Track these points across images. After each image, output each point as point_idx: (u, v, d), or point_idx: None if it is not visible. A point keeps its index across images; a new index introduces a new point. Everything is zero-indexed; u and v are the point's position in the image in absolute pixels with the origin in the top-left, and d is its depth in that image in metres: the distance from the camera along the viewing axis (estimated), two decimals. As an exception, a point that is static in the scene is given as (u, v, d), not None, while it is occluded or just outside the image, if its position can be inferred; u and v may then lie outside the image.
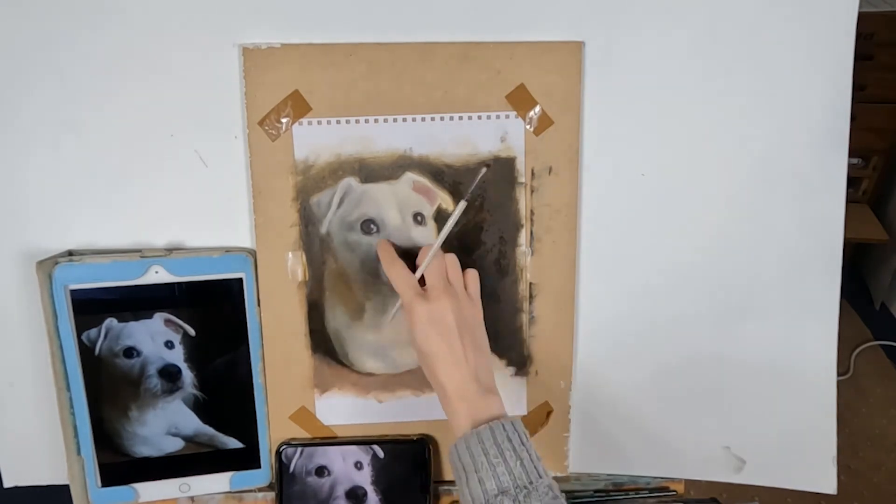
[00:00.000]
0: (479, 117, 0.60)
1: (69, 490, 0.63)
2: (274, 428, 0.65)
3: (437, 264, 0.57)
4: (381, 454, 0.65)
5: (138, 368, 0.62)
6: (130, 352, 0.61)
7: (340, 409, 0.65)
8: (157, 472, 0.64)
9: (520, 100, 0.59)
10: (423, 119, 0.59)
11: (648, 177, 0.61)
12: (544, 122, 0.60)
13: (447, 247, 0.60)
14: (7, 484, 0.66)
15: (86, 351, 0.61)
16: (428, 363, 0.54)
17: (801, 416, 0.66)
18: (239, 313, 0.62)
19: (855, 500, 1.55)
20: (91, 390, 0.62)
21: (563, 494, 0.49)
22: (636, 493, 0.69)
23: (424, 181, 0.61)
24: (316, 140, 0.59)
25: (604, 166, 0.61)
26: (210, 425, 0.64)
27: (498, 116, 0.60)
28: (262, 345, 0.63)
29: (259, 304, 0.62)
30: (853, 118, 0.59)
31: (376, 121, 0.59)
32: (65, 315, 0.59)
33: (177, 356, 0.62)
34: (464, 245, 0.62)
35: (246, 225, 0.61)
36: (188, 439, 0.64)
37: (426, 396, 0.65)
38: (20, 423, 0.65)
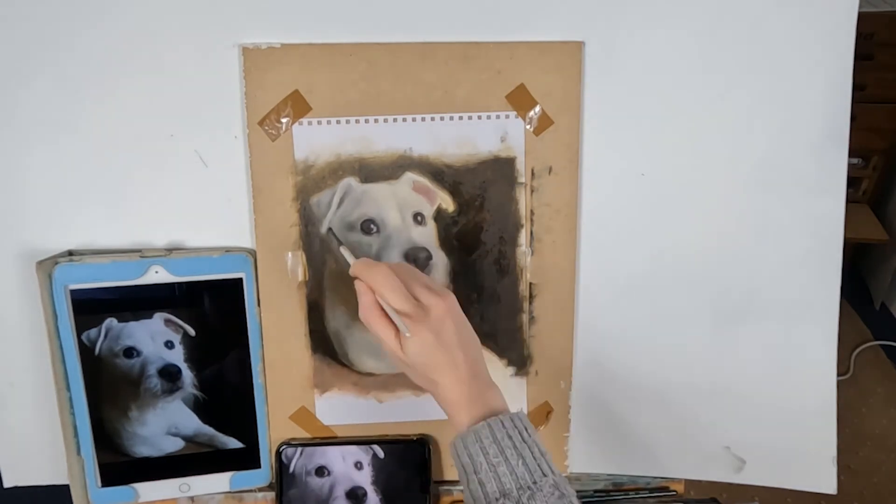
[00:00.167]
0: (479, 117, 0.60)
1: (69, 490, 0.63)
2: (274, 428, 0.65)
3: (391, 285, 0.50)
4: (381, 454, 0.65)
5: (138, 368, 0.62)
6: (130, 352, 0.61)
7: (340, 409, 0.65)
8: (157, 472, 0.64)
9: (520, 100, 0.59)
10: (423, 119, 0.59)
11: (648, 177, 0.61)
12: (544, 122, 0.60)
13: (446, 247, 0.59)
14: (7, 484, 0.66)
15: (86, 351, 0.61)
16: (427, 376, 0.51)
17: (801, 416, 0.66)
18: (239, 313, 0.62)
19: (855, 500, 1.55)
20: (91, 390, 0.61)
21: (574, 491, 0.46)
22: (636, 493, 0.69)
23: (424, 181, 0.61)
24: (316, 140, 0.59)
25: (604, 166, 0.61)
26: (210, 425, 0.64)
27: (498, 116, 0.60)
28: (262, 345, 0.63)
29: (259, 304, 0.62)
30: (853, 118, 0.59)
31: (376, 121, 0.59)
32: (65, 315, 0.59)
33: (177, 356, 0.62)
34: (464, 245, 0.62)
35: (246, 225, 0.61)
36: (188, 439, 0.64)
37: (426, 396, 0.65)
38: (20, 423, 0.65)
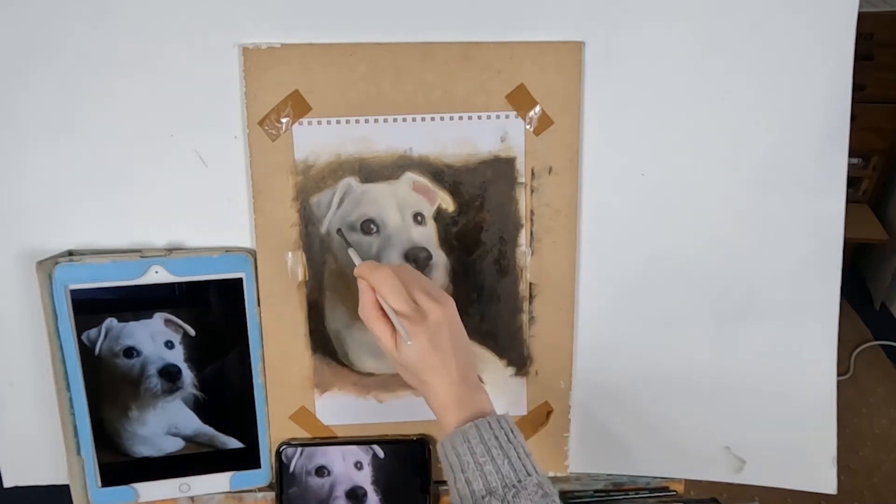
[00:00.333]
0: (479, 117, 0.60)
1: (69, 490, 0.63)
2: (274, 428, 0.65)
3: (392, 287, 0.51)
4: (381, 454, 0.65)
5: (138, 368, 0.62)
6: (130, 352, 0.61)
7: (340, 409, 0.65)
8: (157, 472, 0.64)
9: (520, 100, 0.59)
10: (423, 119, 0.59)
11: (648, 177, 0.61)
12: (544, 122, 0.60)
13: (446, 248, 0.59)
14: (7, 484, 0.66)
15: (86, 351, 0.61)
16: (418, 377, 0.52)
17: (801, 416, 0.66)
18: (239, 313, 0.62)
19: (855, 500, 1.55)
20: (91, 390, 0.61)
21: (556, 490, 0.48)
22: (636, 493, 0.69)
23: (424, 181, 0.61)
24: (316, 140, 0.59)
25: (604, 166, 0.61)
26: (210, 425, 0.64)
27: (498, 116, 0.60)
28: (262, 345, 0.63)
29: (259, 304, 0.62)
30: (853, 118, 0.59)
31: (376, 121, 0.59)
32: (65, 315, 0.59)
33: (177, 356, 0.62)
34: (464, 245, 0.62)
35: (246, 225, 0.61)
36: (188, 439, 0.64)
37: (426, 396, 0.65)
38: (20, 423, 0.65)
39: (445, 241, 0.62)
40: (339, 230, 0.60)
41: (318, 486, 0.65)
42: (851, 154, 0.60)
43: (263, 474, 0.66)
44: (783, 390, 0.65)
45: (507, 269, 0.63)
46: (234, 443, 0.65)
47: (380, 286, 0.51)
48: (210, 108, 0.59)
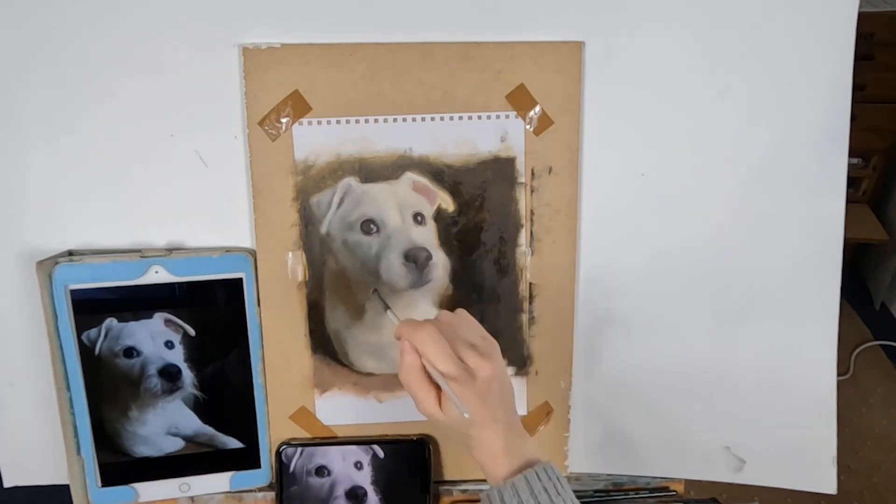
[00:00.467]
0: (479, 117, 0.60)
1: (69, 490, 0.63)
2: (274, 428, 0.65)
3: (438, 349, 0.48)
4: (381, 454, 0.65)
5: (138, 368, 0.62)
6: (130, 352, 0.61)
7: (340, 408, 0.65)
8: (157, 472, 0.64)
9: (520, 100, 0.59)
10: (423, 119, 0.59)
11: (648, 177, 0.61)
12: (544, 122, 0.60)
13: (446, 246, 0.59)
14: (7, 484, 0.66)
15: (86, 351, 0.61)
16: (466, 432, 0.49)
17: (801, 416, 0.66)
18: (239, 313, 0.62)
19: (855, 500, 1.55)
20: (91, 390, 0.61)
21: None
22: (636, 493, 0.69)
23: (424, 181, 0.61)
24: (316, 140, 0.59)
25: (604, 166, 0.61)
26: (210, 425, 0.64)
27: (498, 116, 0.60)
28: (262, 345, 0.63)
29: (259, 304, 0.62)
30: (853, 118, 0.59)
31: (376, 121, 0.59)
32: (65, 315, 0.59)
33: (177, 356, 0.62)
34: (464, 245, 0.62)
35: (246, 225, 0.61)
36: (188, 439, 0.64)
37: (426, 396, 0.65)
38: (20, 423, 0.65)
39: (445, 241, 0.62)
40: (375, 290, 0.59)
41: (318, 486, 0.65)
42: (851, 154, 0.60)
43: (263, 474, 0.66)
44: (783, 390, 0.65)
45: (507, 269, 0.63)
46: (234, 443, 0.65)
47: (425, 348, 0.48)
48: (210, 108, 0.59)
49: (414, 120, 0.59)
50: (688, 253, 0.63)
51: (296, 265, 0.62)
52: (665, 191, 0.62)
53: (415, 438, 0.66)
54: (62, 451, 0.62)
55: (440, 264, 0.62)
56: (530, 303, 0.64)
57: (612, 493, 0.69)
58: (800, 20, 0.58)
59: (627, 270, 0.64)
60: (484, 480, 0.51)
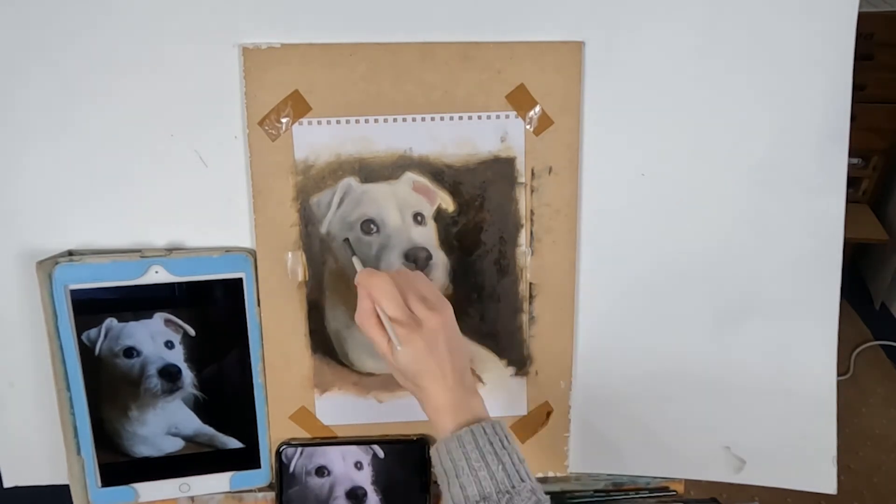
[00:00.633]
0: (479, 117, 0.60)
1: (69, 490, 0.63)
2: (274, 428, 0.65)
3: (387, 294, 0.51)
4: (381, 454, 0.65)
5: (138, 368, 0.62)
6: (130, 352, 0.61)
7: (340, 409, 0.65)
8: (157, 472, 0.64)
9: (520, 100, 0.59)
10: (423, 119, 0.59)
11: (648, 177, 0.61)
12: (544, 122, 0.60)
13: (446, 248, 0.59)
14: (7, 484, 0.66)
15: (86, 351, 0.61)
16: (414, 381, 0.52)
17: (801, 416, 0.66)
18: (239, 313, 0.62)
19: (855, 500, 1.55)
20: (91, 390, 0.61)
21: (548, 498, 0.48)
22: (636, 493, 0.69)
23: (424, 181, 0.61)
24: (316, 140, 0.59)
25: (604, 166, 0.61)
26: (210, 425, 0.64)
27: (498, 116, 0.60)
28: (262, 345, 0.63)
29: (259, 304, 0.62)
30: (853, 118, 0.59)
31: (376, 121, 0.59)
32: (65, 315, 0.59)
33: (177, 356, 0.62)
34: (464, 245, 0.62)
35: (246, 225, 0.61)
36: (188, 439, 0.64)
37: (426, 396, 0.65)
38: (20, 423, 0.65)
39: (445, 241, 0.62)
40: (346, 239, 0.60)
41: (318, 486, 0.65)
42: (851, 154, 0.60)
43: (263, 474, 0.66)
44: (783, 390, 0.65)
45: (507, 269, 0.63)
46: (234, 443, 0.65)
47: (376, 293, 0.51)
48: (210, 108, 0.59)
49: (414, 120, 0.59)
50: (688, 253, 0.63)
51: (296, 265, 0.62)
52: (665, 191, 0.62)
53: (415, 438, 0.66)
54: (62, 451, 0.62)
55: (440, 264, 0.62)
56: (530, 303, 0.64)
57: (612, 493, 0.69)
58: (800, 20, 0.58)
59: (627, 270, 0.64)
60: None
